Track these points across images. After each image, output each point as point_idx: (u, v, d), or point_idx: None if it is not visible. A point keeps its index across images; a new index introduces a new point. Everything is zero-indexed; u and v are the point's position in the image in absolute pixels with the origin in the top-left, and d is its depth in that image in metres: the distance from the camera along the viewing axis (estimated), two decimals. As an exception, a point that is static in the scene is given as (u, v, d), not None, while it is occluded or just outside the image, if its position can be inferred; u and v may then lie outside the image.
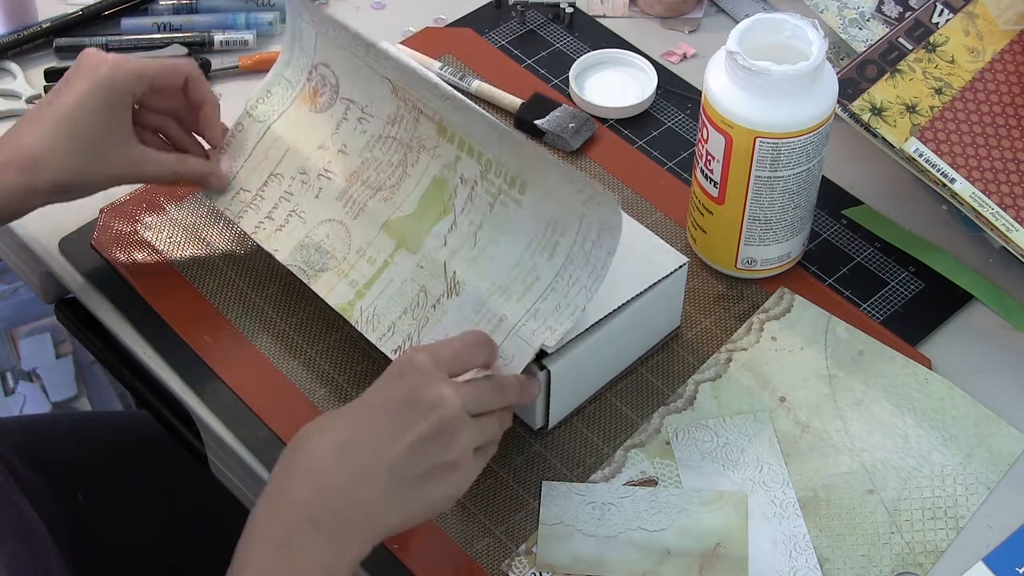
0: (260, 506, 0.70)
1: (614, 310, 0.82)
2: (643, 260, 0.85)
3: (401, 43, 1.09)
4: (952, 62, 0.92)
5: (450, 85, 0.97)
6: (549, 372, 0.80)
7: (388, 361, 0.83)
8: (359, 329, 0.84)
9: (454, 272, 0.83)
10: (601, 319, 0.82)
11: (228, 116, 1.01)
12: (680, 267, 0.84)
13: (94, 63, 0.86)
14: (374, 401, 0.73)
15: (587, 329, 0.81)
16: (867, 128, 0.90)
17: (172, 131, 0.92)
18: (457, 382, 0.74)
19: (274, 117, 0.92)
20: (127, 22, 1.10)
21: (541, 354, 0.79)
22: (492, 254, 0.83)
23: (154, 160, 0.88)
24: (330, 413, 0.73)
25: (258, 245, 0.90)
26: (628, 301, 0.82)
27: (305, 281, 0.86)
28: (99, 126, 0.85)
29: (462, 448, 0.72)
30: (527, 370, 0.79)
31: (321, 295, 0.85)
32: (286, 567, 0.68)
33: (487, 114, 0.83)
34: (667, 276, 0.84)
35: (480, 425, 0.74)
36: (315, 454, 0.70)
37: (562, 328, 0.79)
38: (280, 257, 0.88)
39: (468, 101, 0.84)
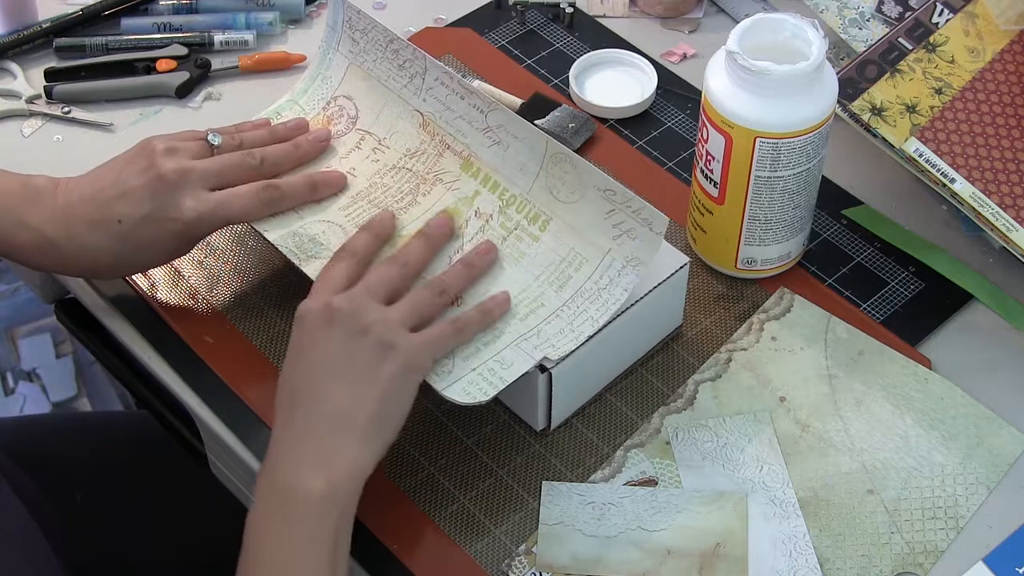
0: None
1: (616, 311, 0.82)
2: None
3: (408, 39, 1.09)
4: (952, 62, 0.92)
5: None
6: (551, 374, 0.80)
7: None
8: None
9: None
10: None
11: (227, 117, 1.01)
12: (681, 267, 0.84)
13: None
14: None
15: None
16: (867, 128, 0.90)
17: None
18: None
19: None
20: (127, 22, 1.10)
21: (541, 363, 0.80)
22: (497, 276, 0.83)
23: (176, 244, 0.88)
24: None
25: (258, 245, 0.90)
26: (629, 301, 0.82)
27: (296, 263, 0.85)
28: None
29: (364, 323, 0.76)
30: (526, 376, 0.79)
31: (312, 277, 0.84)
32: (285, 504, 0.73)
33: (539, 131, 0.85)
34: (669, 277, 0.84)
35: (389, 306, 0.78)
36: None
37: (565, 349, 0.79)
38: (271, 237, 0.87)
39: (520, 123, 0.86)
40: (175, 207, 0.84)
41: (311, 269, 0.85)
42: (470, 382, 0.78)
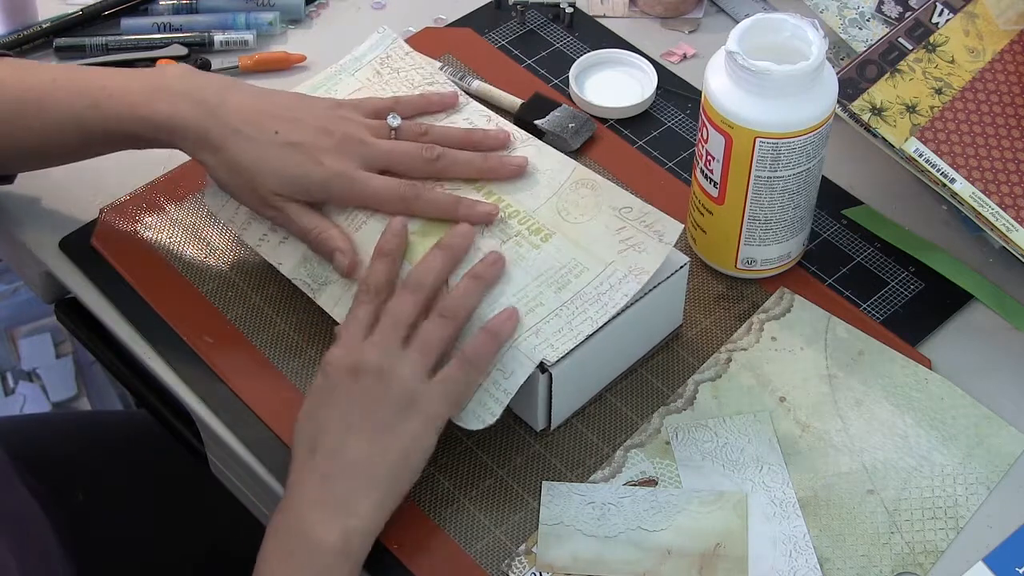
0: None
1: (615, 313, 0.82)
2: None
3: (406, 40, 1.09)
4: (952, 62, 0.92)
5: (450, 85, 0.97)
6: (551, 374, 0.80)
7: None
8: None
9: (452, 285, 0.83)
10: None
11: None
12: (681, 267, 0.84)
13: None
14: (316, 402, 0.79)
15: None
16: (867, 128, 0.90)
17: None
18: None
19: None
20: (127, 22, 1.10)
21: (541, 363, 0.80)
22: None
23: (281, 214, 0.86)
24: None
25: (258, 245, 0.90)
26: (629, 303, 0.82)
27: (311, 296, 0.86)
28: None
29: (390, 374, 0.77)
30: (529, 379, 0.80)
31: (326, 309, 0.85)
32: (300, 545, 0.73)
33: (567, 160, 0.88)
34: (668, 276, 0.84)
35: (413, 351, 0.78)
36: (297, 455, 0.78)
37: (563, 348, 0.79)
38: (285, 270, 0.87)
39: (549, 157, 0.89)
40: (325, 157, 0.84)
41: (325, 299, 0.85)
42: (478, 403, 0.79)
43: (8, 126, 0.87)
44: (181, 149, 0.87)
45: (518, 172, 0.87)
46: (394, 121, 0.87)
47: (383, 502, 0.76)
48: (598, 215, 0.85)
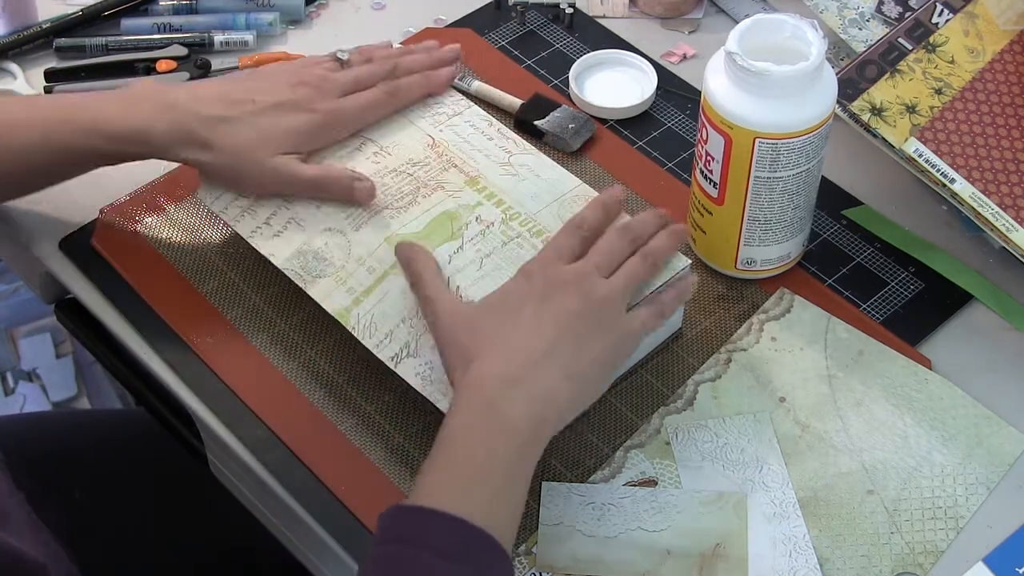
0: (455, 397, 0.76)
1: None
2: None
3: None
4: (952, 62, 0.92)
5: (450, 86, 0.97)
6: None
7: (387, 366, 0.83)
8: (355, 335, 0.84)
9: (457, 287, 0.83)
10: None
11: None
12: (682, 269, 0.84)
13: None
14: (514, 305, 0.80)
15: None
16: (867, 128, 0.90)
17: None
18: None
19: None
20: (127, 22, 1.10)
21: None
22: (497, 278, 0.83)
23: (290, 173, 0.89)
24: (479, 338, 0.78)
25: (258, 246, 0.90)
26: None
27: (302, 286, 0.86)
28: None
29: (599, 295, 0.79)
30: None
31: (317, 300, 0.85)
32: (494, 422, 0.74)
33: (570, 176, 0.89)
34: (669, 280, 0.84)
35: (616, 278, 0.81)
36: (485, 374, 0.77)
37: None
38: (277, 261, 0.87)
39: (549, 168, 0.90)
40: (312, 103, 0.89)
41: (316, 291, 0.85)
42: None
43: None
44: (163, 158, 0.89)
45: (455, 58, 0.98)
46: (343, 55, 0.94)
47: (577, 405, 0.78)
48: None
